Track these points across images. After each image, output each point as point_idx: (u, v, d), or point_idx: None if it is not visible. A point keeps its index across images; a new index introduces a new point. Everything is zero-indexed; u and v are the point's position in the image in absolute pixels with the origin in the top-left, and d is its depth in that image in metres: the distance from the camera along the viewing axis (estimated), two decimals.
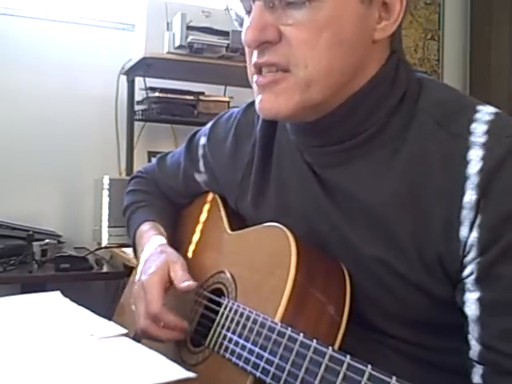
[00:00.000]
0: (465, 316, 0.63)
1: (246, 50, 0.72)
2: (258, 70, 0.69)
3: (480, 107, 0.67)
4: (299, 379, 0.59)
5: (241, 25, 0.74)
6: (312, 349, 0.59)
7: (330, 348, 0.58)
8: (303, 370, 0.59)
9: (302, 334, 0.61)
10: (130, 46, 2.40)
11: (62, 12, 2.45)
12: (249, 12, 0.69)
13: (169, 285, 0.83)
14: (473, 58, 3.20)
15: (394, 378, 0.48)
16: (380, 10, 0.68)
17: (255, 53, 0.69)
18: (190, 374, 0.60)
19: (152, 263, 0.85)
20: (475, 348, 0.62)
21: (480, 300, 0.61)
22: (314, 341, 0.60)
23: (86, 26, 2.49)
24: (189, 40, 2.13)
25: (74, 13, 2.47)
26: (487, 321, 0.61)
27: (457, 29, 3.24)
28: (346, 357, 0.55)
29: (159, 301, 0.80)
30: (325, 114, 0.70)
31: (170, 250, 0.90)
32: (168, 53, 2.17)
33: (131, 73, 2.40)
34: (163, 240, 0.93)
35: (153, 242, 0.92)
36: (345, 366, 0.55)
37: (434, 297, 0.66)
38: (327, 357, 0.57)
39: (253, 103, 0.92)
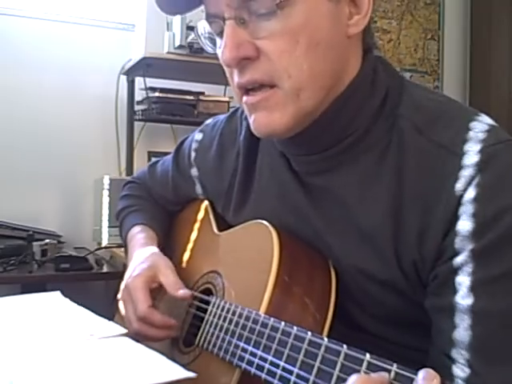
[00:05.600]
0: (430, 320, 0.64)
1: (227, 70, 0.71)
2: (245, 90, 0.69)
3: (462, 113, 0.67)
4: (280, 367, 0.60)
5: (213, 46, 0.73)
6: (293, 336, 0.60)
7: (325, 339, 0.58)
8: (284, 358, 0.60)
9: (283, 323, 0.62)
10: (130, 45, 2.40)
11: (62, 12, 2.45)
12: (220, 34, 0.68)
13: (156, 286, 0.84)
14: (473, 58, 3.20)
15: (395, 365, 0.48)
16: (349, 5, 0.67)
17: (235, 72, 0.68)
18: (190, 374, 0.60)
19: (138, 267, 0.86)
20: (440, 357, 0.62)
21: (439, 306, 0.62)
22: (295, 328, 0.60)
23: (86, 26, 2.49)
24: (189, 40, 2.14)
25: (74, 13, 2.47)
26: (444, 327, 0.61)
27: (457, 29, 3.24)
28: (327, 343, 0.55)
29: (146, 302, 0.81)
30: (311, 121, 0.69)
31: (159, 254, 0.90)
32: (168, 53, 2.17)
33: (131, 73, 2.40)
34: (155, 249, 0.93)
35: (144, 250, 0.92)
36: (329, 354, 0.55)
37: (413, 300, 0.67)
38: (307, 341, 0.58)
39: (236, 111, 0.92)
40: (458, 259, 0.60)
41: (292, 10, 0.63)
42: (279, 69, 0.65)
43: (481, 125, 0.64)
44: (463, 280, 0.60)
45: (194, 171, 0.98)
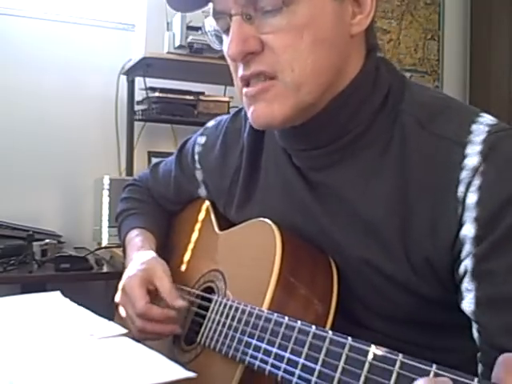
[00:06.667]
0: (468, 318, 0.63)
1: (231, 65, 0.73)
2: (246, 82, 0.70)
3: (464, 110, 0.68)
4: (285, 361, 0.60)
5: (220, 43, 0.74)
6: (297, 329, 0.60)
7: (330, 332, 0.58)
8: (288, 351, 0.60)
9: (286, 318, 0.62)
10: (130, 46, 2.40)
11: (62, 12, 2.45)
12: (227, 31, 0.70)
13: (152, 288, 0.85)
14: (473, 58, 3.20)
15: (401, 355, 0.48)
16: (352, 5, 0.69)
17: (240, 66, 0.69)
18: (190, 374, 0.60)
19: (134, 268, 0.87)
20: (481, 349, 0.61)
21: (477, 297, 0.61)
22: (299, 322, 0.60)
23: (86, 26, 2.49)
24: (189, 40, 2.14)
25: (74, 13, 2.47)
26: (487, 318, 0.60)
27: (457, 29, 3.24)
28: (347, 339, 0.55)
29: (143, 298, 0.82)
30: (311, 116, 0.70)
31: (156, 258, 0.91)
32: (168, 53, 2.17)
33: (131, 73, 2.40)
34: (152, 253, 0.93)
35: (142, 254, 0.93)
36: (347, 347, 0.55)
37: (421, 296, 0.67)
38: (311, 334, 0.58)
39: (240, 111, 0.93)
40: (480, 248, 0.60)
41: (297, 7, 0.65)
42: (283, 62, 0.66)
43: (484, 118, 0.65)
44: (497, 266, 0.59)
45: (199, 174, 0.99)
